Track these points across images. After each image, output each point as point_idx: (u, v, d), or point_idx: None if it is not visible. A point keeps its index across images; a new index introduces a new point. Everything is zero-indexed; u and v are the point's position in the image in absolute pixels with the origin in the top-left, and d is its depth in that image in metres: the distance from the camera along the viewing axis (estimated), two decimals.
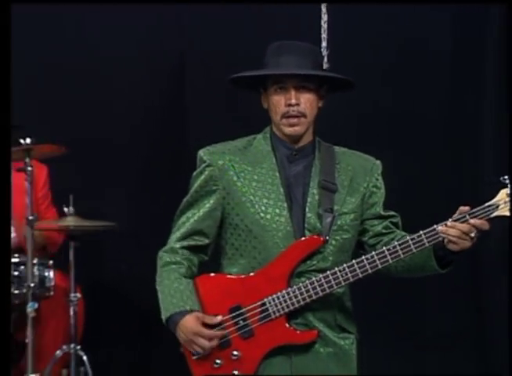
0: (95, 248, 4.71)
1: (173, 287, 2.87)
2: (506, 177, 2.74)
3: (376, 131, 4.64)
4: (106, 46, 4.97)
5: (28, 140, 4.10)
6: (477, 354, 4.84)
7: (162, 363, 4.83)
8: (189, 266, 2.91)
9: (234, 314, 2.89)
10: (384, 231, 2.93)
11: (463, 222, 2.70)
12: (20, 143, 4.12)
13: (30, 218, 4.10)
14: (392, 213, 2.98)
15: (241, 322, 2.88)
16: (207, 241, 2.92)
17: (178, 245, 2.92)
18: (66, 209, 4.30)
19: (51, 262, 4.35)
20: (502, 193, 2.72)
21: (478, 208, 2.71)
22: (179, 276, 2.89)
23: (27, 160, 4.11)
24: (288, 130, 2.87)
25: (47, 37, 4.94)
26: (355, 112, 4.41)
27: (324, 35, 3.37)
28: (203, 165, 2.92)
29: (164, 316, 2.87)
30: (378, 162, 2.97)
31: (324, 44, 3.26)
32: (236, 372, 2.91)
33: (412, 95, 4.82)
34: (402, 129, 4.81)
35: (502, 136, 4.66)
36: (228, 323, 2.89)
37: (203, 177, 2.91)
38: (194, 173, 2.96)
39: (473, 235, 2.68)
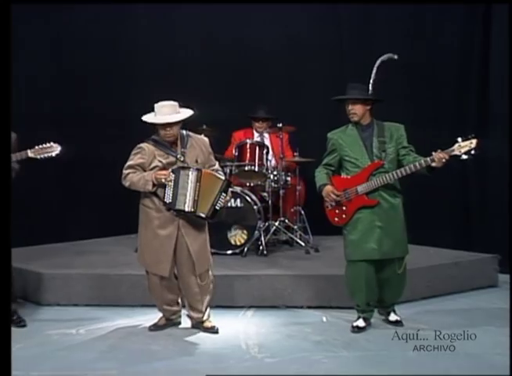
0: (306, 168, 6.56)
1: (322, 177, 4.75)
2: (458, 138, 4.31)
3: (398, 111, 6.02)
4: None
5: (280, 124, 6.63)
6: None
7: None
8: (327, 172, 4.75)
9: (344, 192, 4.71)
10: (406, 153, 4.64)
11: (441, 154, 4.34)
12: (276, 126, 6.71)
13: (281, 156, 6.74)
14: (410, 145, 4.66)
15: (347, 195, 4.71)
16: (333, 168, 4.79)
17: (323, 167, 4.78)
18: (294, 153, 6.80)
19: (289, 173, 6.85)
20: (455, 145, 4.36)
21: (446, 150, 4.39)
22: (324, 174, 4.75)
23: (280, 132, 6.69)
24: (351, 119, 4.68)
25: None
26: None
27: (372, 80, 5.42)
28: (329, 139, 4.77)
29: (318, 186, 4.73)
30: (402, 125, 4.69)
31: (370, 86, 5.35)
32: (343, 215, 4.68)
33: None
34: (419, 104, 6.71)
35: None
36: (341, 195, 4.73)
37: (329, 144, 4.79)
38: (327, 142, 4.77)
39: (444, 161, 4.36)
